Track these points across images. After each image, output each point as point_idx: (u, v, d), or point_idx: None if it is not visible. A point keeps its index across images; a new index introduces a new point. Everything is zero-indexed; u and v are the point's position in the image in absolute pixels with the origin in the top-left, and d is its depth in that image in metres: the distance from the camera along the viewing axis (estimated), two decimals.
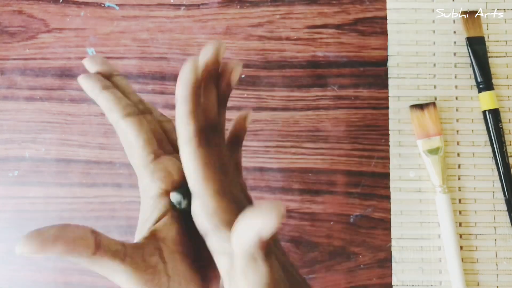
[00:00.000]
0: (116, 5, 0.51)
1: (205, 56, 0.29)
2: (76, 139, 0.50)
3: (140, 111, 0.32)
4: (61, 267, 0.49)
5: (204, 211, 0.27)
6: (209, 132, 0.28)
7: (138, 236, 0.29)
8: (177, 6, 0.51)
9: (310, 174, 0.49)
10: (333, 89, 0.50)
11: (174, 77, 0.50)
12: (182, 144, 0.27)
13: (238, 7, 0.51)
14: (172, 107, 0.50)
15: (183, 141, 0.27)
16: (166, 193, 0.30)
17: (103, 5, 0.51)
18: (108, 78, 0.33)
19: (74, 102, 0.50)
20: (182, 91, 0.27)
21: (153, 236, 0.28)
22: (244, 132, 0.35)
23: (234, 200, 0.28)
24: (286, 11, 0.50)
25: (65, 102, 0.50)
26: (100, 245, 0.25)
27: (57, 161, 0.50)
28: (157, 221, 0.29)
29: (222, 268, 0.27)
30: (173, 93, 0.50)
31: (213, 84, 0.30)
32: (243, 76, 0.50)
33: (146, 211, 0.30)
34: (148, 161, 0.30)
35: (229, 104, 0.49)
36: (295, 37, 0.50)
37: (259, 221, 0.22)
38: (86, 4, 0.51)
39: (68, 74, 0.51)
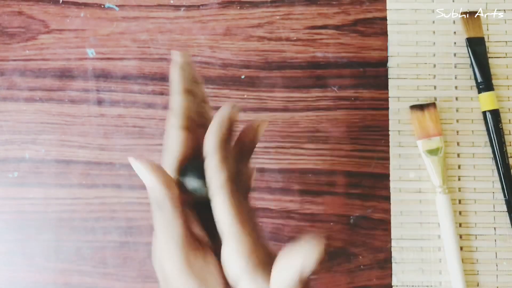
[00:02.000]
0: (116, 6, 0.51)
1: (224, 113, 0.31)
2: (76, 140, 0.50)
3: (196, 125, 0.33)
4: (61, 268, 0.49)
5: (241, 253, 0.27)
6: (236, 179, 0.29)
7: None
8: (177, 7, 0.51)
9: (310, 175, 0.49)
10: (333, 90, 0.50)
11: None
12: (215, 193, 0.28)
13: (238, 8, 0.51)
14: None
15: (215, 189, 0.28)
16: None
17: (103, 6, 0.51)
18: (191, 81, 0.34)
19: (74, 103, 0.50)
20: (212, 142, 0.29)
21: None
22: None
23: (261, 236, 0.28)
24: (286, 12, 0.50)
25: (65, 103, 0.50)
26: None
27: (57, 162, 0.50)
28: None
29: None
30: None
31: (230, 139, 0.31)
32: (242, 77, 0.50)
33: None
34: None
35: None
36: (295, 38, 0.50)
37: (300, 260, 0.23)
38: (86, 5, 0.51)
39: (68, 75, 0.50)
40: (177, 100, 0.33)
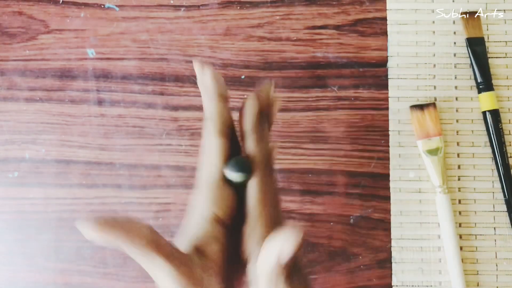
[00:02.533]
0: (116, 6, 0.51)
1: (258, 93, 0.35)
2: (76, 140, 0.50)
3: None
4: (61, 268, 0.49)
5: (260, 231, 0.30)
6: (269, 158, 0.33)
7: (178, 245, 0.30)
8: (177, 7, 0.51)
9: (310, 175, 0.49)
10: (333, 90, 0.50)
11: (174, 78, 0.50)
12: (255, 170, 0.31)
13: (238, 8, 0.51)
14: (172, 108, 0.50)
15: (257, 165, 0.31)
16: (217, 220, 0.30)
17: (103, 6, 0.51)
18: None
19: (74, 103, 0.50)
20: (249, 122, 0.32)
21: (196, 250, 0.29)
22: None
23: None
24: (286, 12, 0.50)
25: (65, 103, 0.50)
26: (154, 240, 0.26)
27: (57, 162, 0.50)
28: (200, 239, 0.30)
29: None
30: (173, 94, 0.50)
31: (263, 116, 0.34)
32: (242, 77, 0.50)
33: (192, 227, 0.31)
34: (215, 177, 0.31)
35: (229, 105, 0.49)
36: (295, 38, 0.50)
37: (278, 247, 0.24)
38: (86, 5, 0.51)
39: (68, 75, 0.51)
40: (212, 105, 0.33)
